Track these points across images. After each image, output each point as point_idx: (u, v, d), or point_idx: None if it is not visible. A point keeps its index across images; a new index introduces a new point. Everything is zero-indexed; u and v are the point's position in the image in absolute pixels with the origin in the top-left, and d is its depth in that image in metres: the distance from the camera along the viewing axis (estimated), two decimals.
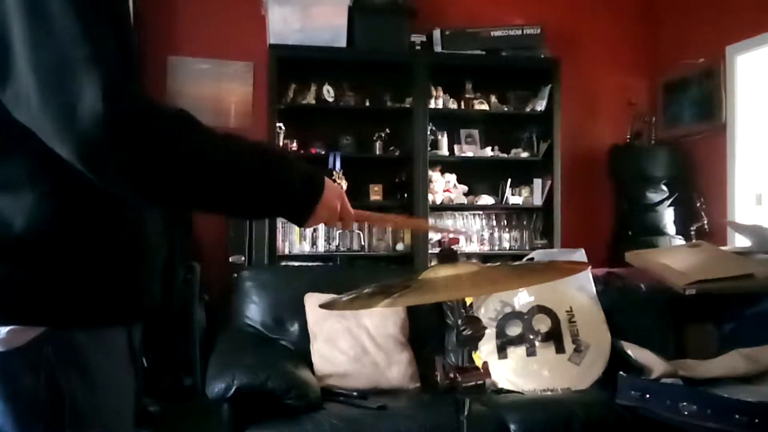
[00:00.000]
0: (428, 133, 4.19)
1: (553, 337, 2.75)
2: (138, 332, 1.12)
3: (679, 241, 4.21)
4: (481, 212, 4.44)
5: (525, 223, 4.50)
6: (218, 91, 4.22)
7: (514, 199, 4.39)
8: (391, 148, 4.24)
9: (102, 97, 0.84)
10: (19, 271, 0.93)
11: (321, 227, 4.15)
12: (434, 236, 4.23)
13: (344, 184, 4.12)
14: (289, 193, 1.02)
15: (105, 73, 0.85)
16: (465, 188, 4.38)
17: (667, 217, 4.31)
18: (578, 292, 2.90)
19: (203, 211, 1.05)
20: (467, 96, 4.35)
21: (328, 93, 4.15)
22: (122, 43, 0.92)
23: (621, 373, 2.47)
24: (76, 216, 0.95)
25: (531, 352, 2.73)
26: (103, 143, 0.85)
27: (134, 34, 1.02)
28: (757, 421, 2.04)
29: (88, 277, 0.97)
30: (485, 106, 4.35)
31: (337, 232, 4.17)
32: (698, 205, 4.22)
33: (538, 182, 4.38)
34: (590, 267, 2.82)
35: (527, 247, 4.36)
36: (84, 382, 0.97)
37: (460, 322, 1.24)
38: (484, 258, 4.30)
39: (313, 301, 2.82)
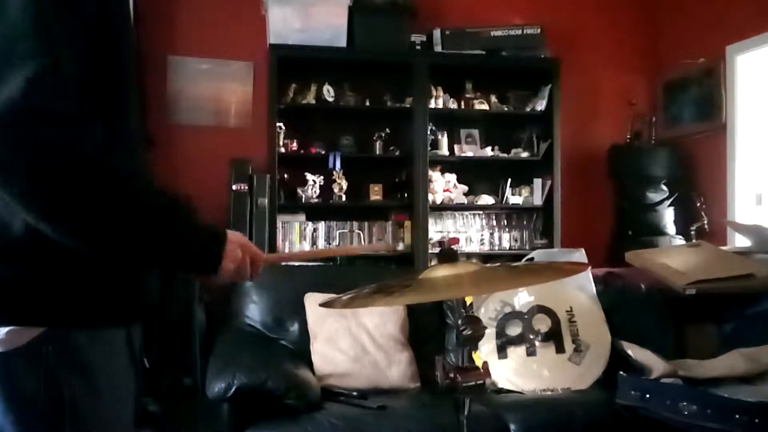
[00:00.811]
0: (428, 133, 4.19)
1: (553, 337, 2.75)
2: (138, 332, 1.12)
3: (679, 241, 4.21)
4: (481, 212, 4.44)
5: (525, 223, 4.50)
6: (218, 91, 4.22)
7: (514, 199, 4.39)
8: (391, 148, 4.24)
9: (23, 90, 0.83)
10: (18, 272, 0.93)
11: (321, 228, 4.15)
12: (434, 236, 4.23)
13: (344, 184, 4.13)
14: (191, 254, 1.00)
15: (38, 70, 0.84)
16: (465, 188, 4.38)
17: (667, 217, 4.31)
18: (578, 292, 2.90)
19: (91, 248, 0.95)
20: (467, 96, 4.35)
21: (328, 93, 4.15)
22: (84, 57, 0.91)
23: (621, 373, 2.47)
24: None
25: (531, 352, 2.73)
26: (2, 134, 0.83)
27: (123, 58, 1.00)
28: (757, 421, 2.04)
29: (87, 277, 0.97)
30: (485, 106, 4.35)
31: (337, 233, 4.17)
32: (698, 205, 4.22)
33: (538, 182, 4.38)
34: (590, 267, 2.82)
35: (527, 247, 4.36)
36: (84, 382, 0.97)
37: (460, 321, 1.25)
38: (484, 258, 4.30)
39: (313, 300, 2.82)
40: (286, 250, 4.08)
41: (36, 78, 0.84)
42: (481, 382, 1.24)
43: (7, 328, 0.92)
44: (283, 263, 3.03)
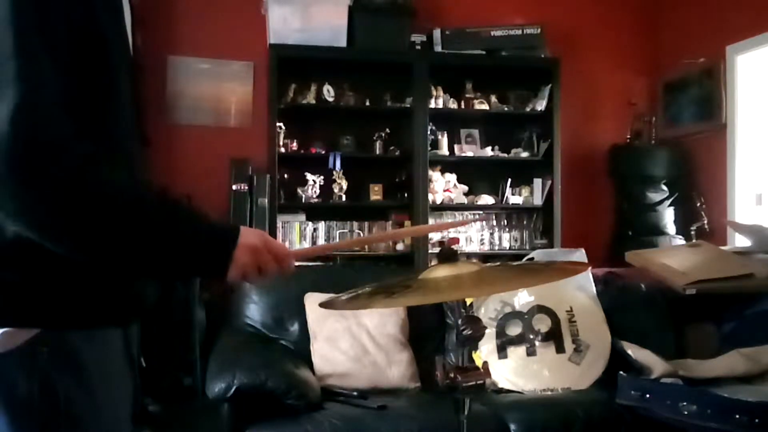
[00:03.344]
0: (428, 133, 4.19)
1: (553, 336, 2.75)
2: (135, 333, 1.11)
3: (679, 241, 4.21)
4: (481, 212, 4.43)
5: (525, 223, 4.50)
6: (218, 91, 4.22)
7: (514, 199, 4.39)
8: (391, 148, 4.24)
9: (9, 118, 0.83)
10: (12, 273, 0.93)
11: (321, 228, 4.15)
12: (434, 236, 4.23)
13: (344, 184, 4.13)
14: (192, 263, 0.97)
15: (23, 93, 0.84)
16: (465, 188, 4.37)
17: (667, 217, 4.31)
18: (578, 292, 2.90)
19: (92, 261, 0.95)
20: (467, 96, 4.35)
21: (328, 93, 4.15)
22: (69, 73, 0.90)
23: (621, 373, 2.47)
24: None
25: (531, 352, 2.73)
26: None
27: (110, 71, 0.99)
28: (757, 421, 2.04)
29: (82, 278, 0.97)
30: (485, 106, 4.35)
31: (337, 233, 4.17)
32: (698, 205, 4.21)
33: (538, 182, 4.38)
34: (590, 267, 2.82)
35: (527, 247, 4.36)
36: (79, 384, 0.96)
37: (460, 321, 1.25)
38: (484, 258, 4.30)
39: (313, 301, 2.82)
40: None
41: (22, 104, 0.84)
42: (481, 382, 1.24)
43: (1, 330, 0.92)
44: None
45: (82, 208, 0.88)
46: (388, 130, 4.22)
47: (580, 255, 3.16)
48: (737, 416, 2.08)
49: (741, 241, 3.66)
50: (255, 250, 1.00)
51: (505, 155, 4.39)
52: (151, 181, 1.10)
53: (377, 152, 4.23)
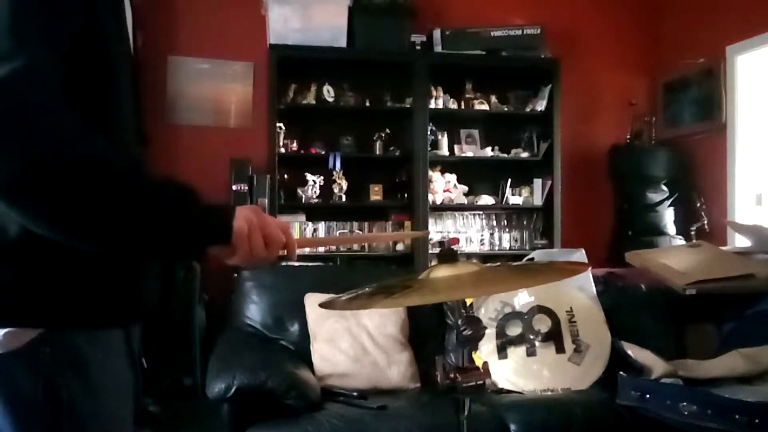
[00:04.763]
0: (428, 133, 4.19)
1: (553, 337, 2.74)
2: (137, 333, 1.11)
3: (679, 241, 4.21)
4: (481, 212, 4.44)
5: (525, 223, 4.50)
6: (218, 91, 4.22)
7: (514, 199, 4.39)
8: (391, 148, 4.24)
9: None
10: (15, 274, 0.93)
11: (321, 228, 4.15)
12: (434, 237, 4.23)
13: (344, 184, 4.13)
14: (198, 212, 0.95)
15: (15, 68, 0.83)
16: (465, 188, 4.38)
17: (667, 217, 4.31)
18: (578, 292, 2.90)
19: (90, 243, 0.90)
20: (467, 96, 4.35)
21: (328, 93, 4.15)
22: (63, 56, 0.89)
23: (621, 373, 2.47)
24: None
25: (531, 352, 2.73)
26: None
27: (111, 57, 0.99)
28: (757, 421, 2.04)
29: (85, 278, 0.96)
30: (485, 106, 4.35)
31: (337, 233, 4.17)
32: (698, 205, 4.22)
33: (538, 182, 4.38)
34: (590, 267, 2.82)
35: (527, 247, 4.36)
36: (82, 384, 0.96)
37: (460, 322, 1.24)
38: (484, 258, 4.30)
39: (313, 301, 2.82)
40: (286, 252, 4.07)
41: (10, 78, 0.83)
42: (481, 382, 1.24)
43: (4, 330, 0.92)
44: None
45: (68, 181, 0.84)
46: (388, 131, 4.22)
47: (580, 255, 3.16)
48: (737, 416, 2.08)
49: (741, 241, 3.66)
50: (255, 212, 0.98)
51: (505, 155, 4.39)
52: (142, 160, 1.06)
53: (377, 152, 4.23)
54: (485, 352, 2.73)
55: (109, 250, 0.94)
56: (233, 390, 2.25)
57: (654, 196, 4.32)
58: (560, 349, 2.73)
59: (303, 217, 4.14)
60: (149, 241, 0.91)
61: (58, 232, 0.88)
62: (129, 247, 0.92)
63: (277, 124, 4.01)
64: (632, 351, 2.63)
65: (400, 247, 4.21)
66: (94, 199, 0.86)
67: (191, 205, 0.95)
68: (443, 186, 4.31)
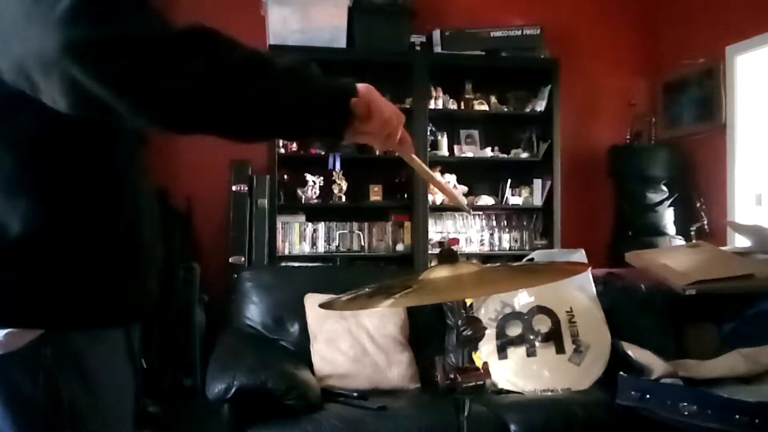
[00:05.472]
0: (428, 133, 4.19)
1: (553, 337, 2.75)
2: (137, 333, 1.11)
3: (679, 241, 4.21)
4: (481, 213, 4.43)
5: (525, 223, 4.50)
6: None
7: (514, 200, 4.39)
8: (391, 149, 4.23)
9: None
10: (16, 274, 0.93)
11: (321, 228, 4.15)
12: (434, 237, 4.23)
13: (344, 185, 4.13)
14: (320, 80, 1.01)
15: None
16: (465, 189, 4.37)
17: (667, 217, 4.31)
18: (578, 293, 2.90)
19: (212, 128, 0.93)
20: (467, 96, 4.35)
21: None
22: None
23: (621, 373, 2.47)
24: (71, 218, 0.95)
25: (531, 353, 2.73)
26: (84, 33, 0.81)
27: None
28: (757, 421, 2.04)
29: (85, 278, 0.97)
30: (485, 107, 4.35)
31: (337, 233, 4.16)
32: (698, 205, 4.22)
33: (538, 182, 4.38)
34: (590, 267, 2.82)
35: (527, 248, 4.35)
36: (83, 384, 0.96)
37: (460, 322, 1.24)
38: (484, 258, 4.30)
39: (313, 301, 2.82)
40: (286, 252, 4.07)
41: None
42: (481, 382, 1.24)
43: (5, 331, 0.92)
44: None
45: (174, 61, 0.88)
46: None
47: (580, 255, 3.16)
48: (737, 416, 2.08)
49: (741, 241, 3.66)
50: (370, 88, 1.05)
51: (505, 156, 4.39)
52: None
53: (377, 153, 4.22)
54: (485, 352, 2.73)
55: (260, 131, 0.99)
56: (233, 390, 2.25)
57: (654, 197, 4.32)
58: (560, 349, 2.73)
59: (303, 218, 4.14)
60: (298, 115, 0.99)
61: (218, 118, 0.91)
62: (281, 126, 0.98)
63: None
64: (632, 351, 2.64)
65: (400, 247, 4.21)
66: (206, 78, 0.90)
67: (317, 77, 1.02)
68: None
